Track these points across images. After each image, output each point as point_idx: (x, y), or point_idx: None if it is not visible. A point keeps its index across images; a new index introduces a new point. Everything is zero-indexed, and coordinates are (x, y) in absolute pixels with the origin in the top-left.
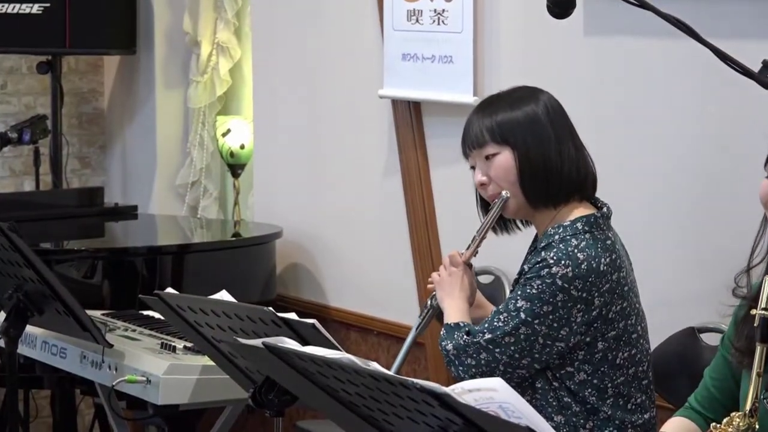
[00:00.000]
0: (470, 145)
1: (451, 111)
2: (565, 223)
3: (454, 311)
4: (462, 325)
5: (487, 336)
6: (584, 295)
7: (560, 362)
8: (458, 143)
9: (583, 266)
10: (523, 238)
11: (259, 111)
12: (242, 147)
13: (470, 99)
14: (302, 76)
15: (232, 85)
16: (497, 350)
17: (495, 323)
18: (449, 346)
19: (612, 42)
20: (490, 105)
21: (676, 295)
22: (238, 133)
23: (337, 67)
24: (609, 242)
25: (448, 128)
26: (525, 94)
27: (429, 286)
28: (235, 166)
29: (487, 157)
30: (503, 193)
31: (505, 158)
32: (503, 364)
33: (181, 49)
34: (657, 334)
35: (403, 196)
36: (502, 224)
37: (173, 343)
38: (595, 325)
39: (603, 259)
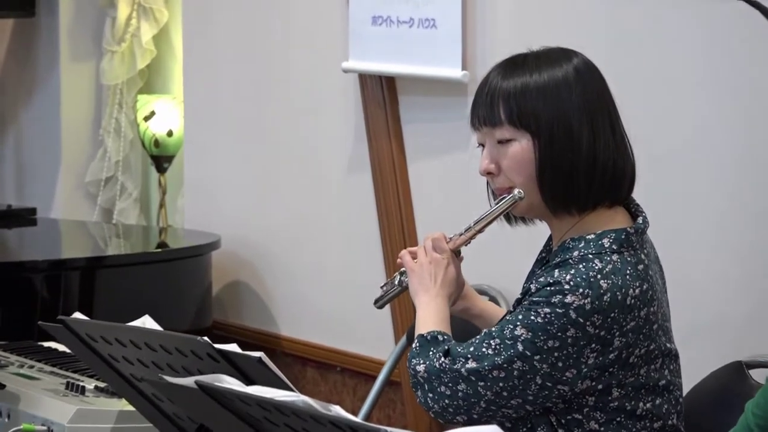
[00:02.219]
0: (481, 119)
1: (435, 89)
2: (588, 237)
3: (430, 314)
4: (440, 339)
5: (471, 364)
6: (602, 333)
7: (565, 407)
8: (442, 129)
9: (605, 298)
10: (524, 247)
11: (190, 89)
12: (170, 134)
13: (458, 74)
14: (246, 45)
15: (157, 56)
16: (480, 384)
17: (483, 349)
18: (420, 367)
19: (632, 2)
20: (513, 68)
21: (719, 321)
22: (164, 116)
23: (290, 35)
24: (641, 267)
25: (431, 111)
26: (557, 59)
27: (398, 261)
28: (160, 159)
29: (500, 142)
30: (515, 191)
31: (522, 148)
32: (486, 401)
33: (92, 12)
34: (695, 370)
35: (373, 196)
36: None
37: (81, 383)
38: (611, 370)
39: (631, 290)
